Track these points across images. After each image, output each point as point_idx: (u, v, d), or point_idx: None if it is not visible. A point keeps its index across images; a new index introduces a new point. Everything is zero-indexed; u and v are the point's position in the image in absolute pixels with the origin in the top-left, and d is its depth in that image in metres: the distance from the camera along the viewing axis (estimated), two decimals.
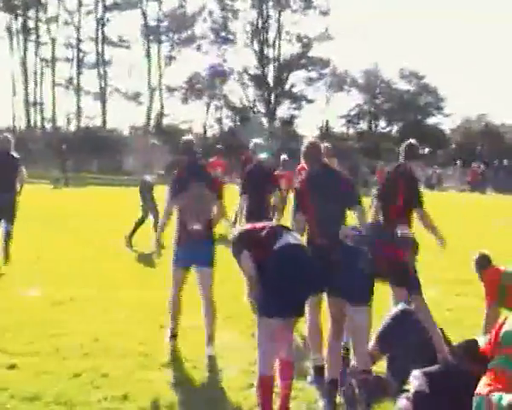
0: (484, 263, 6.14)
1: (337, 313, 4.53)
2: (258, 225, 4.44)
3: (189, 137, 6.53)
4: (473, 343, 4.75)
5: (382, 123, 55.37)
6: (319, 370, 4.98)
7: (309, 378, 5.01)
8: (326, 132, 52.50)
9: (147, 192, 10.96)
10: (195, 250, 5.58)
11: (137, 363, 5.27)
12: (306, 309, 4.83)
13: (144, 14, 49.05)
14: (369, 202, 7.13)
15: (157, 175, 11.41)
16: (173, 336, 5.78)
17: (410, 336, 4.65)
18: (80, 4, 48.11)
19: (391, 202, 5.92)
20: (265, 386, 4.18)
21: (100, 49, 48.74)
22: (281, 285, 4.09)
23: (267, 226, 4.36)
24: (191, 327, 6.20)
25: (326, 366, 4.64)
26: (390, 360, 4.90)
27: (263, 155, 8.18)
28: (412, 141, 6.32)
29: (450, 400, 4.04)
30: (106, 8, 48.74)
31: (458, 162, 40.59)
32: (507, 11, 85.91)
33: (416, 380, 4.15)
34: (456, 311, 7.16)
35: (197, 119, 54.25)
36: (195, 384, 4.95)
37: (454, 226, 15.36)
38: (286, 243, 4.18)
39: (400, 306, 4.92)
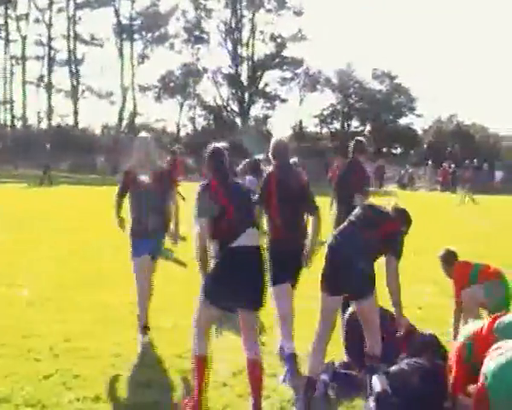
0: (450, 259, 6.24)
1: (329, 314, 4.59)
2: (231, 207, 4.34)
3: (144, 134, 6.67)
4: (434, 340, 4.85)
5: (355, 123, 55.80)
6: (293, 357, 5.15)
7: (281, 378, 5.03)
8: (299, 132, 52.74)
9: None
10: (151, 242, 5.88)
11: (109, 363, 5.24)
12: (275, 298, 5.20)
13: (117, 13, 48.73)
14: None
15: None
16: (144, 327, 5.82)
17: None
18: (51, 2, 47.54)
19: (344, 195, 6.65)
20: (200, 365, 4.28)
21: (72, 47, 48.28)
22: (225, 281, 4.15)
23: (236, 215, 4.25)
24: (165, 328, 6.21)
25: (308, 364, 4.68)
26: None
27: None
28: (359, 138, 7.26)
29: (414, 399, 4.11)
30: (77, 6, 48.23)
31: (430, 162, 41.06)
32: (478, 12, 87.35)
33: (377, 382, 4.20)
34: (427, 309, 7.26)
35: (170, 118, 54.00)
36: (168, 385, 4.93)
37: (424, 226, 15.60)
38: (242, 245, 4.16)
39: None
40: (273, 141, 5.68)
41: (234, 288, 4.14)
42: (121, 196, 6.02)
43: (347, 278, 4.43)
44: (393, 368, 4.40)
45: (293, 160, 6.75)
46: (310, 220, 5.51)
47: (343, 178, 7.16)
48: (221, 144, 4.56)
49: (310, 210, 5.44)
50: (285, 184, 5.36)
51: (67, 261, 9.57)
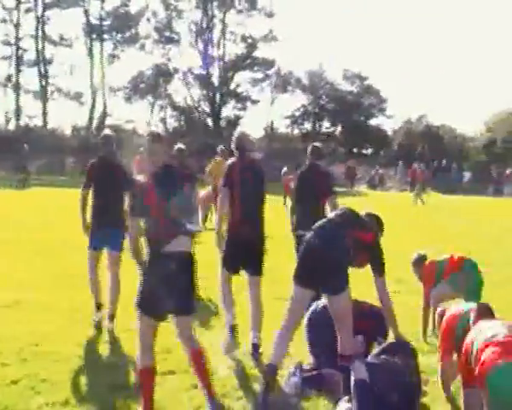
0: (420, 262, 6.38)
1: (299, 306, 4.74)
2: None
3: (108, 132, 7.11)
4: (405, 342, 4.96)
5: (326, 123, 56.15)
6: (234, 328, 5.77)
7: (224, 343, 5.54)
8: (271, 133, 52.85)
9: None
10: (107, 235, 6.37)
11: (78, 367, 5.19)
12: (219, 280, 5.87)
13: (86, 13, 48.16)
14: None
15: None
16: (98, 307, 6.39)
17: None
18: (19, 2, 46.81)
19: (310, 197, 6.86)
20: (144, 378, 4.26)
21: (40, 48, 47.60)
22: (147, 288, 4.15)
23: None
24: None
25: (272, 351, 4.73)
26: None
27: None
28: (316, 144, 7.48)
29: (390, 390, 4.19)
30: (46, 6, 47.57)
31: (400, 162, 41.50)
32: (447, 14, 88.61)
33: (357, 370, 4.26)
34: (394, 308, 7.34)
35: (141, 119, 53.61)
36: (137, 385, 4.87)
37: (390, 226, 15.77)
38: (169, 252, 4.09)
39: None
40: (236, 134, 6.02)
41: (156, 295, 4.09)
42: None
43: (323, 272, 4.53)
44: (371, 360, 4.50)
45: (257, 155, 7.12)
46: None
47: (306, 180, 7.20)
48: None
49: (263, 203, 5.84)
50: (246, 174, 5.69)
51: (33, 262, 9.45)
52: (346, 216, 4.87)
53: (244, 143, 5.89)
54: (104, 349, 5.65)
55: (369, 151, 54.82)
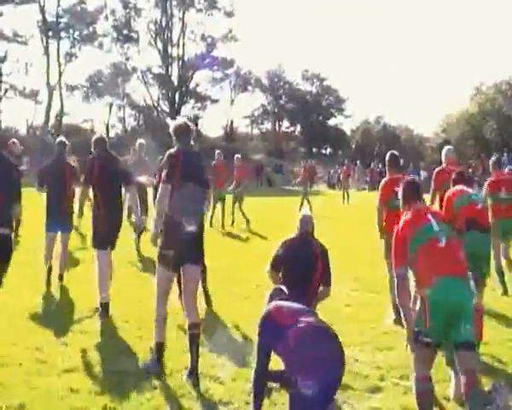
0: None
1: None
2: None
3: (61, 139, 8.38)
4: None
5: (286, 123, 56.50)
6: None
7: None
8: (231, 132, 52.89)
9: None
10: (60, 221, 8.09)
11: (34, 370, 5.09)
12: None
13: (42, 9, 47.22)
14: None
15: None
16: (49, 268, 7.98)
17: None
18: None
19: None
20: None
21: None
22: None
23: None
24: (92, 331, 6.11)
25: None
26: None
27: None
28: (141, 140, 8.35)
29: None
30: None
31: (358, 162, 42.02)
32: (404, 14, 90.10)
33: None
34: (354, 306, 7.46)
35: (99, 118, 52.90)
36: (94, 390, 4.80)
37: (346, 225, 15.99)
38: None
39: None
40: (175, 123, 5.48)
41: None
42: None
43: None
44: None
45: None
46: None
47: None
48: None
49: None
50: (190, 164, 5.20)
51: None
52: None
53: (183, 132, 5.47)
54: (58, 351, 5.55)
55: (329, 151, 55.38)
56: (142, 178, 9.67)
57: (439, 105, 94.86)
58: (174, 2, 49.80)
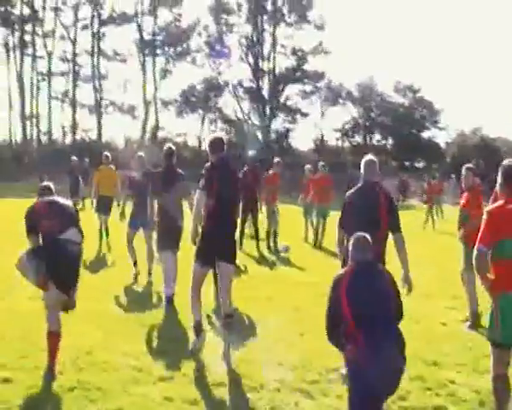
0: None
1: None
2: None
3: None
4: None
5: (377, 136, 55.58)
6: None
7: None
8: (321, 146, 52.68)
9: None
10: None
11: (131, 377, 5.25)
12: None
13: (140, 28, 49.23)
14: None
15: None
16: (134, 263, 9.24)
17: None
18: (76, 19, 48.29)
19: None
20: None
21: (95, 63, 48.89)
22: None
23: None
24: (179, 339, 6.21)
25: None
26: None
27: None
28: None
29: None
30: (101, 23, 48.88)
31: (453, 176, 40.70)
32: (502, 24, 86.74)
33: None
34: (450, 325, 7.19)
35: (192, 132, 54.11)
36: (188, 399, 4.87)
37: (442, 241, 15.44)
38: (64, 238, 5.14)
39: None
40: (209, 138, 6.37)
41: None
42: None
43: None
44: None
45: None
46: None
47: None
48: None
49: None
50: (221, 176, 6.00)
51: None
52: None
53: (218, 146, 6.21)
54: (153, 362, 5.69)
55: (421, 164, 53.93)
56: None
57: None
58: (265, 17, 50.44)
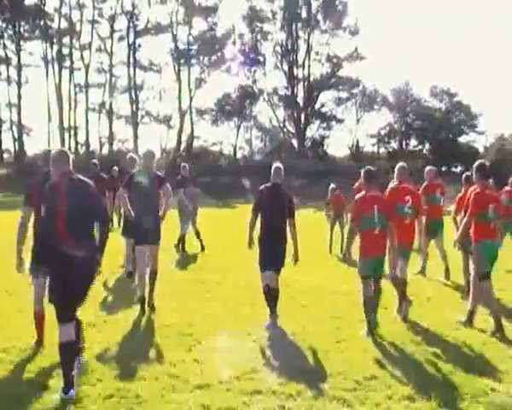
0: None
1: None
2: None
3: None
4: None
5: (413, 142, 54.93)
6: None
7: None
8: (357, 152, 52.34)
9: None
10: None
11: (168, 385, 5.27)
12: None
13: (175, 38, 49.77)
14: None
15: None
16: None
17: None
18: (112, 31, 49.11)
19: None
20: None
21: (131, 74, 49.56)
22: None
23: None
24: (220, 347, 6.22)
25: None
26: None
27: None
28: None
29: None
30: (137, 34, 49.60)
31: (491, 180, 39.97)
32: None
33: None
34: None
35: (227, 140, 54.37)
36: (223, 407, 4.86)
37: None
38: None
39: None
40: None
41: None
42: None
43: None
44: None
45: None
46: None
47: None
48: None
49: None
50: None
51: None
52: None
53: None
54: (189, 370, 5.70)
55: (459, 169, 53.06)
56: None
57: None
58: (299, 25, 50.48)
